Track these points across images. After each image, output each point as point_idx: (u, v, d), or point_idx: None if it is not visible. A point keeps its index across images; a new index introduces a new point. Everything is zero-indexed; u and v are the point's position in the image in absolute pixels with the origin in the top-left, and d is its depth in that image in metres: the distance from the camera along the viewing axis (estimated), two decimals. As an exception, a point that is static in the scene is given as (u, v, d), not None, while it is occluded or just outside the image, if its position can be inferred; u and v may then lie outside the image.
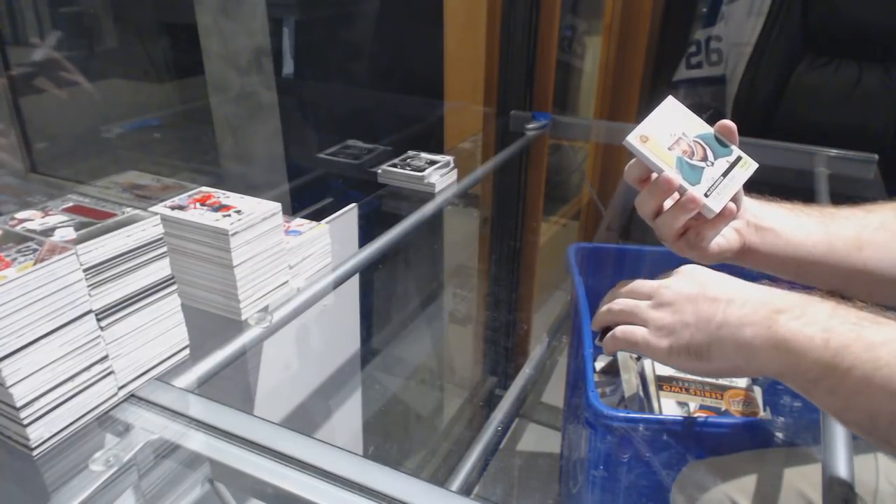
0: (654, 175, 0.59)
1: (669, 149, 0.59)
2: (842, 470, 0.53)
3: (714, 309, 0.50)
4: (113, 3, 1.46)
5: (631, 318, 0.55)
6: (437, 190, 1.07)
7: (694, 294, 0.52)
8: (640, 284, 0.57)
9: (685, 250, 0.61)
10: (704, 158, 0.59)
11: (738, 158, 0.60)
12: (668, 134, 0.60)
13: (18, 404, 0.48)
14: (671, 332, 0.52)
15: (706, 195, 0.57)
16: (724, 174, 0.59)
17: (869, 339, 0.42)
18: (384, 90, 1.69)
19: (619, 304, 0.57)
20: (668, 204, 0.59)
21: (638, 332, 0.54)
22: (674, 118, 0.61)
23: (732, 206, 0.59)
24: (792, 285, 0.54)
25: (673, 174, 0.57)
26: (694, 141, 0.60)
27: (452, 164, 1.12)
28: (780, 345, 0.45)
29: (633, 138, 0.58)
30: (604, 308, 0.59)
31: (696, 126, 0.61)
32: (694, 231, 0.59)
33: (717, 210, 0.57)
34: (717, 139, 0.61)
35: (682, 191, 0.58)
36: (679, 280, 0.54)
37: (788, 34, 1.50)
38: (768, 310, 0.47)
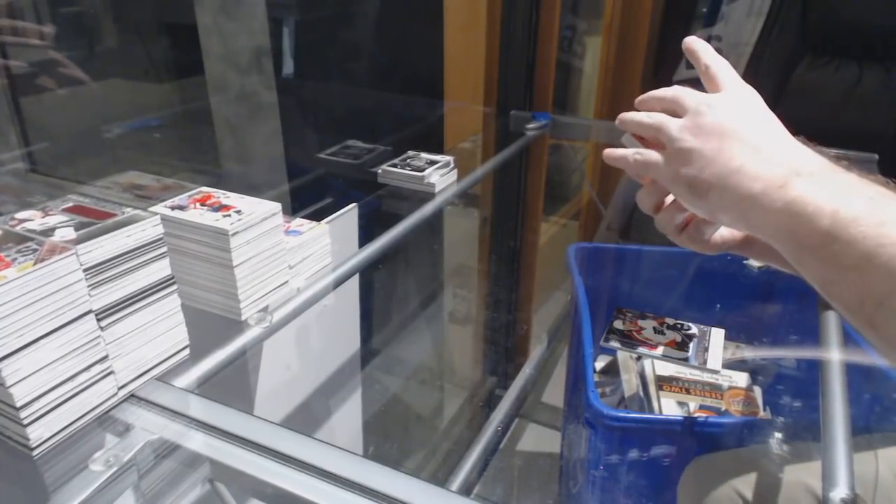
0: None
1: None
2: (841, 470, 0.53)
3: (736, 153, 0.48)
4: (113, 3, 1.46)
5: (657, 134, 0.54)
6: (437, 190, 1.07)
7: (728, 129, 0.49)
8: (686, 98, 0.53)
9: (687, 242, 0.61)
10: None
11: None
12: None
13: (18, 404, 0.48)
14: (685, 160, 0.51)
15: None
16: None
17: (880, 216, 0.41)
18: (384, 90, 1.69)
19: (654, 118, 0.55)
20: (668, 200, 0.60)
21: (654, 154, 0.54)
22: None
23: None
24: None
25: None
26: None
27: (452, 164, 1.12)
28: (787, 206, 0.44)
29: (627, 139, 0.59)
30: (642, 114, 0.56)
31: None
32: (693, 226, 0.60)
33: None
34: None
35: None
36: (725, 106, 0.51)
37: (788, 34, 1.50)
38: (787, 169, 0.46)
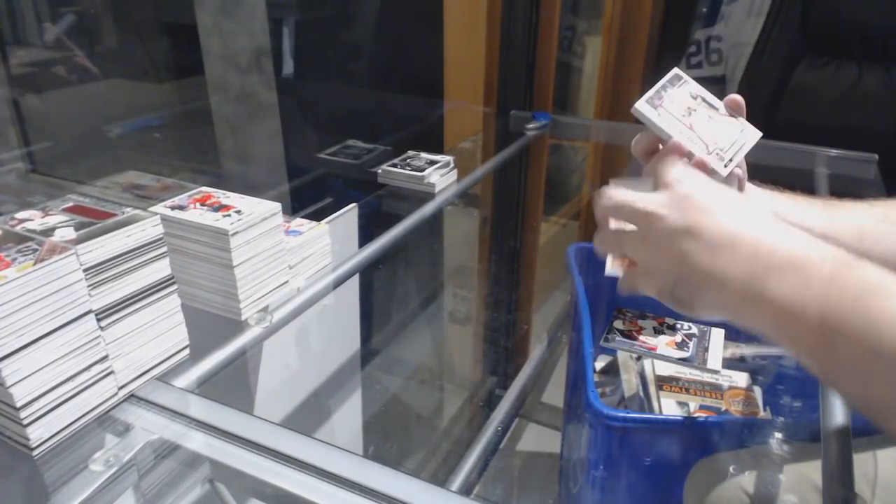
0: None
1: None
2: (841, 469, 0.53)
3: (700, 257, 0.47)
4: (113, 3, 1.46)
5: (621, 250, 0.55)
6: (437, 190, 1.07)
7: (681, 229, 0.48)
8: (624, 209, 0.51)
9: None
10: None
11: (743, 128, 0.62)
12: (674, 103, 0.61)
13: (18, 404, 0.48)
14: (657, 274, 0.51)
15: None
16: (732, 143, 0.60)
17: (866, 310, 0.40)
18: (384, 90, 1.69)
19: (609, 236, 0.54)
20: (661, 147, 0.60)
21: (632, 274, 0.54)
22: (680, 88, 0.62)
23: (739, 171, 0.59)
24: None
25: (683, 140, 0.58)
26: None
27: (452, 164, 1.12)
28: (770, 309, 0.43)
29: (641, 105, 0.59)
30: (597, 235, 0.56)
31: (703, 97, 0.63)
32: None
33: (725, 174, 0.58)
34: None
35: (690, 156, 0.58)
36: (671, 209, 0.49)
37: (788, 34, 1.50)
38: (759, 266, 0.44)
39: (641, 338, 1.05)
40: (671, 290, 0.50)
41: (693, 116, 0.61)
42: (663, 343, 1.04)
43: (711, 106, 0.62)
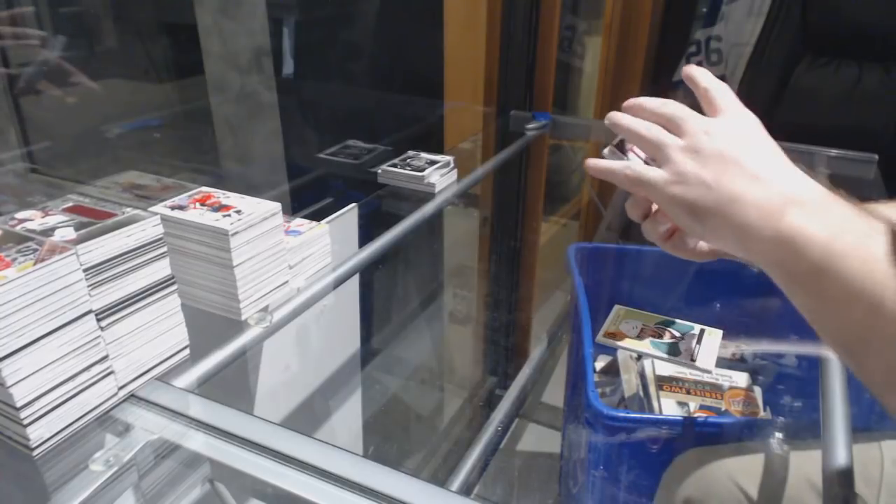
0: None
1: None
2: (841, 469, 0.53)
3: (736, 180, 0.48)
4: (113, 3, 1.46)
5: (654, 152, 0.54)
6: (437, 190, 1.07)
7: (729, 156, 0.50)
8: (687, 120, 0.53)
9: (672, 251, 0.61)
10: None
11: None
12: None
13: (18, 404, 0.48)
14: (684, 182, 0.50)
15: None
16: None
17: (869, 252, 0.41)
18: (384, 90, 1.69)
19: (653, 131, 0.54)
20: (654, 207, 0.60)
21: (651, 172, 0.53)
22: None
23: None
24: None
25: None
26: None
27: (452, 164, 1.12)
28: (781, 238, 0.45)
29: (609, 152, 0.60)
30: (640, 124, 0.56)
31: None
32: (678, 236, 0.60)
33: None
34: None
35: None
36: (725, 131, 0.51)
37: (788, 34, 1.50)
38: (784, 198, 0.46)
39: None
40: (689, 202, 0.50)
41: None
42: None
43: None
